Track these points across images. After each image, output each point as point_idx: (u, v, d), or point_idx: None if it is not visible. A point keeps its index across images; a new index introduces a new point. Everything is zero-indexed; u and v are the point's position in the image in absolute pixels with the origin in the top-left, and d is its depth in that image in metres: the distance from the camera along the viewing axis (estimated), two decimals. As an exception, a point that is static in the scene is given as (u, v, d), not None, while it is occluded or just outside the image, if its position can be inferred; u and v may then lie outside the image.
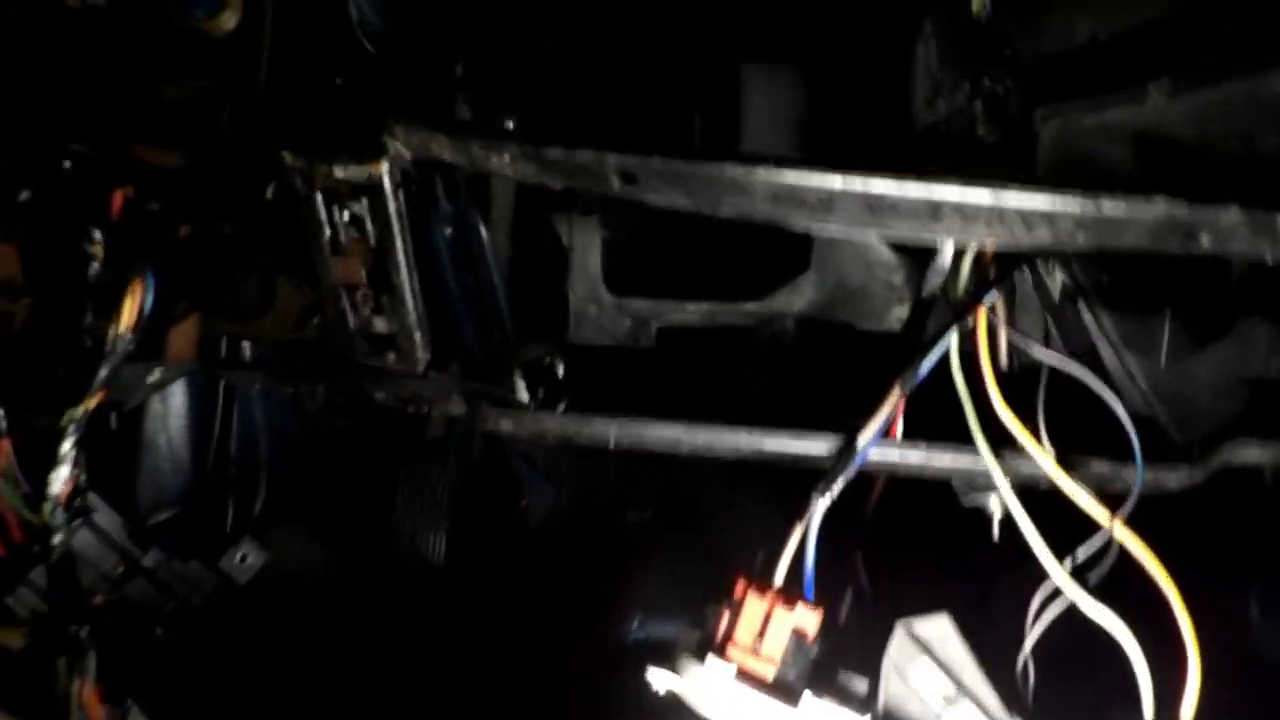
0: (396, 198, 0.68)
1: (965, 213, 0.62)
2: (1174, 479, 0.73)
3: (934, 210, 0.62)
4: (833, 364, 0.96)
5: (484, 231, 0.95)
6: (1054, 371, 0.78)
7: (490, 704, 0.95)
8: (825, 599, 0.75)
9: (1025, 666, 0.73)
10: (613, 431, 0.75)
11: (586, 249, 0.94)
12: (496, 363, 0.83)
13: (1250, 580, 0.93)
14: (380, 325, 0.73)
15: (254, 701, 0.91)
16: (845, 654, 0.76)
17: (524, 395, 0.81)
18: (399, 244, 0.70)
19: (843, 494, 0.76)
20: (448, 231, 0.92)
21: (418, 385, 0.75)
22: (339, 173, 0.70)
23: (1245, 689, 0.79)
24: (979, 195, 0.61)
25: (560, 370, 0.87)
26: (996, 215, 0.61)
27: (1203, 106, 0.73)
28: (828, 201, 0.63)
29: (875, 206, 0.63)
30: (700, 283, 0.96)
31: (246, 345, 0.89)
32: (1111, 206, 0.59)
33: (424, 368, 0.75)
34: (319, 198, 0.72)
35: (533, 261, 0.98)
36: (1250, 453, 0.73)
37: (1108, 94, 0.74)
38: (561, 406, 0.77)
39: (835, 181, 0.62)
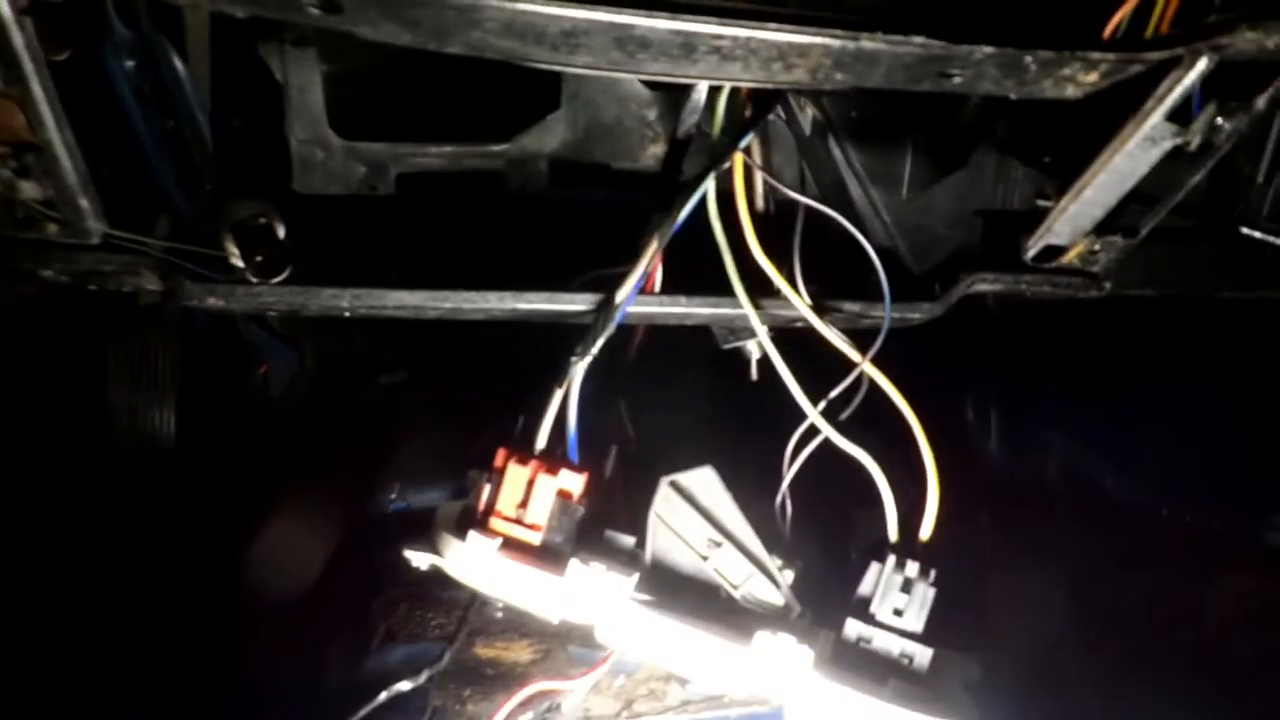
0: (22, 27, 0.53)
1: (723, 51, 0.57)
2: (918, 314, 0.76)
3: (689, 48, 0.57)
4: (588, 208, 0.91)
5: (178, 64, 0.80)
6: (808, 215, 0.79)
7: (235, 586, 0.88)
8: (591, 459, 0.74)
9: (783, 503, 0.75)
10: (345, 302, 0.67)
11: (305, 86, 0.82)
12: (202, 224, 0.72)
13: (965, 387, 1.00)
14: (30, 191, 0.59)
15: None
16: (615, 513, 0.75)
17: (237, 262, 0.71)
18: (36, 87, 0.55)
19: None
20: (129, 64, 0.77)
21: (95, 259, 0.62)
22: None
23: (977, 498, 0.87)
24: (737, 31, 0.56)
25: (280, 230, 0.77)
26: (755, 53, 0.57)
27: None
28: (571, 36, 0.56)
29: (625, 42, 0.57)
30: (443, 124, 0.88)
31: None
32: (870, 43, 0.56)
33: (99, 238, 0.62)
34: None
35: (243, 101, 0.85)
36: (984, 285, 0.76)
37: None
38: (285, 274, 0.67)
39: (578, 13, 0.55)
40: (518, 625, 0.80)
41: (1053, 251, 0.77)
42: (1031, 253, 0.76)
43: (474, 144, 0.87)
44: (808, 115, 0.82)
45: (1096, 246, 0.75)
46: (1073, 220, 0.72)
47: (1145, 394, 0.89)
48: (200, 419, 0.92)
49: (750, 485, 0.75)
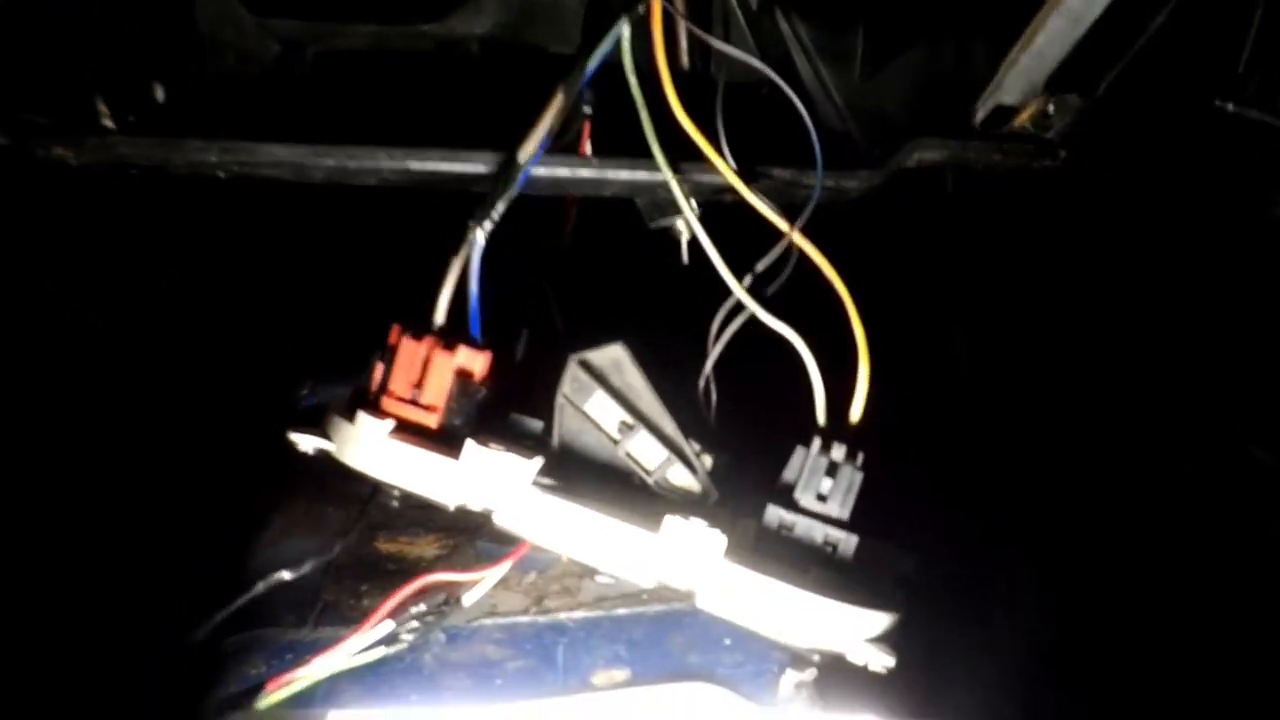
0: None
1: None
2: (854, 182, 0.69)
3: None
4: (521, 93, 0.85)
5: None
6: (739, 86, 0.72)
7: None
8: (501, 338, 0.68)
9: (707, 387, 0.69)
10: (213, 156, 0.60)
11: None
12: (72, 83, 0.65)
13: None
14: None
15: None
16: (530, 396, 0.69)
17: (108, 123, 0.64)
18: None
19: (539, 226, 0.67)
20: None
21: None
22: None
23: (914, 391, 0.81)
24: None
25: (160, 93, 0.70)
26: None
27: None
28: None
29: None
30: (367, 2, 0.80)
31: None
32: None
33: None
34: None
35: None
36: (929, 153, 0.70)
37: None
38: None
39: None
40: (423, 520, 0.75)
41: (1004, 114, 0.70)
42: (980, 114, 0.70)
43: (399, 24, 0.80)
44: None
45: (1050, 108, 0.69)
46: (1024, 74, 0.66)
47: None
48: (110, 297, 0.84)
49: (676, 370, 0.69)
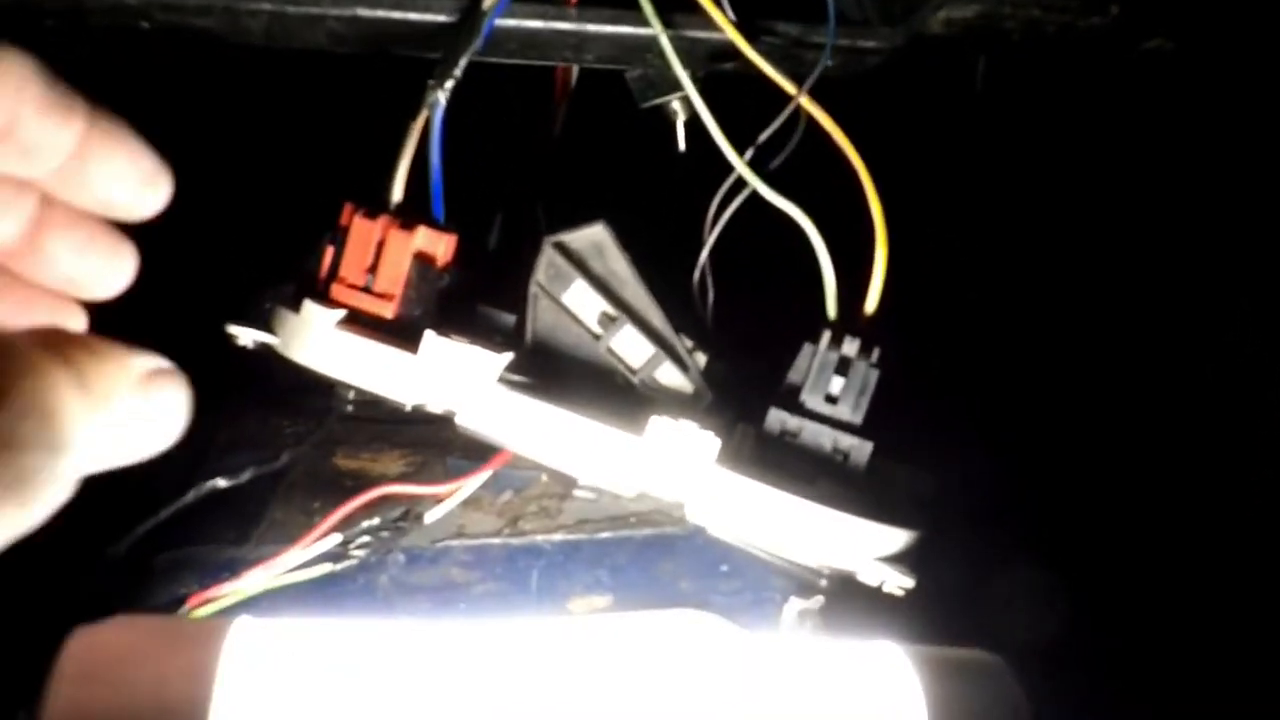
0: None
1: None
2: (873, 41, 0.60)
3: None
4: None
5: None
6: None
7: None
8: (471, 225, 0.60)
9: (703, 277, 0.61)
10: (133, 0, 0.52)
11: None
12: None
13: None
14: None
15: None
16: (502, 288, 0.61)
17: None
18: None
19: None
20: None
21: None
22: None
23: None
24: None
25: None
26: None
27: None
28: None
29: None
30: None
31: None
32: None
33: None
34: None
35: None
36: (958, 10, 0.61)
37: None
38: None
39: None
40: (388, 435, 0.67)
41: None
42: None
43: None
44: None
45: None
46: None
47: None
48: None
49: (667, 257, 0.61)
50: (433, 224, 0.56)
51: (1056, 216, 0.76)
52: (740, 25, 0.59)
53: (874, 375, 0.55)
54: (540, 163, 0.73)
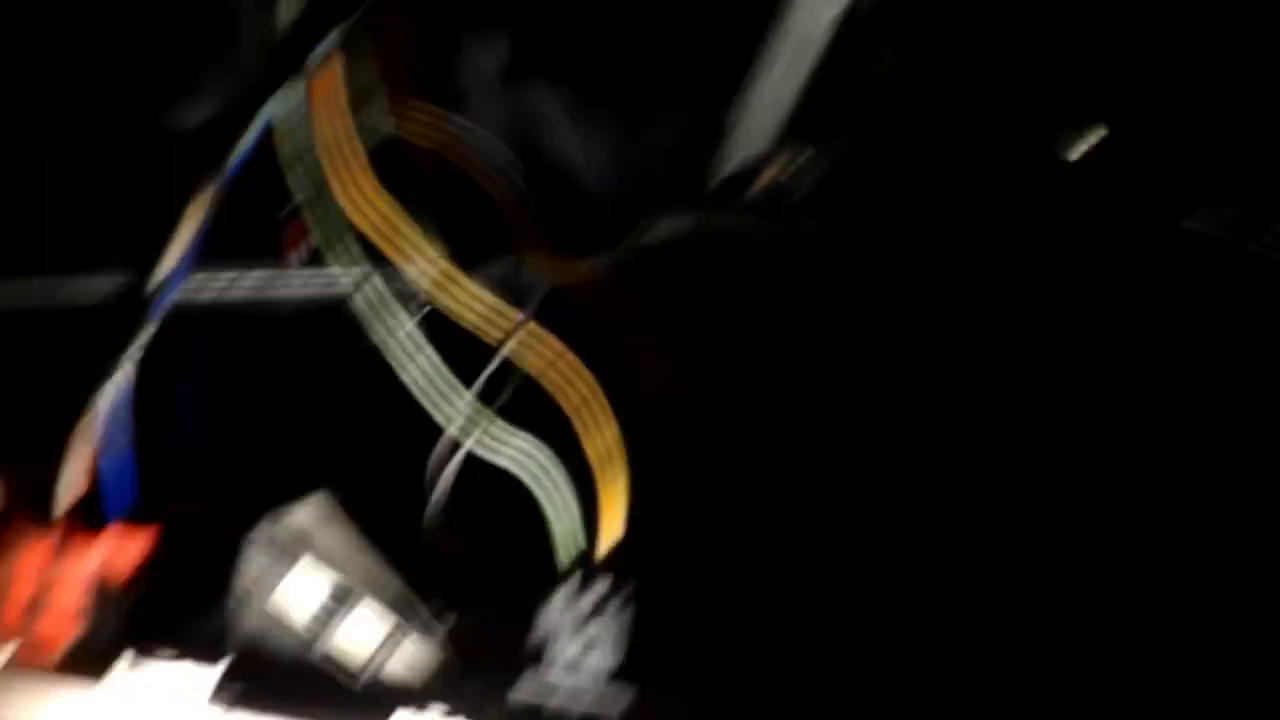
0: None
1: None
2: (586, 267, 0.59)
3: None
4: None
5: None
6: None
7: None
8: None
9: (436, 535, 0.57)
10: None
11: None
12: None
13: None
14: None
15: None
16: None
17: None
18: None
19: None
20: None
21: None
22: None
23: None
24: None
25: None
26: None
27: None
28: None
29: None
30: None
31: None
32: None
33: None
34: None
35: None
36: (669, 228, 0.60)
37: None
38: None
39: None
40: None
41: (749, 175, 0.62)
42: (725, 176, 0.62)
43: None
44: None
45: (794, 163, 0.61)
46: (758, 119, 0.58)
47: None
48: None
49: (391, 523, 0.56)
50: (112, 527, 0.50)
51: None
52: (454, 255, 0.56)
53: (626, 615, 0.52)
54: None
